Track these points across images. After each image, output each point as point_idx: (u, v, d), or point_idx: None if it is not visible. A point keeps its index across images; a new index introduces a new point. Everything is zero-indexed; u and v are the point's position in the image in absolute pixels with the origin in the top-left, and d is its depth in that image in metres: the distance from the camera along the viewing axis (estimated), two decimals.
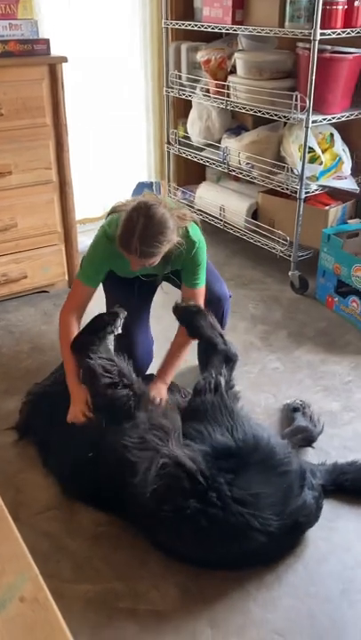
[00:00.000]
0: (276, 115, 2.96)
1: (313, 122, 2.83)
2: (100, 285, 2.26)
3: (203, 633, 1.51)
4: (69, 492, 1.90)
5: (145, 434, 1.79)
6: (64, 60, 2.72)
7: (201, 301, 2.20)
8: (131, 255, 1.94)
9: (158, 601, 1.59)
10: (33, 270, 3.02)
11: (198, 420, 1.87)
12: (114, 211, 2.18)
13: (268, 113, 3.00)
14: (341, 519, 1.82)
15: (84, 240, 3.34)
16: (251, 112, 3.11)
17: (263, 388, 2.44)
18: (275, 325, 2.89)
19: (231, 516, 1.59)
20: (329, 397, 2.38)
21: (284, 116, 2.91)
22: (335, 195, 3.23)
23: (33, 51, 2.67)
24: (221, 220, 3.55)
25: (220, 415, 1.86)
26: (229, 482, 1.64)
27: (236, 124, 3.51)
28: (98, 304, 2.32)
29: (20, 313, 3.01)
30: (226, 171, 3.43)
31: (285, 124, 3.13)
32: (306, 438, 2.07)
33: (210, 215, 3.64)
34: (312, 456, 2.05)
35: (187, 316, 2.10)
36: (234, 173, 3.40)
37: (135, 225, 1.87)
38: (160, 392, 2.05)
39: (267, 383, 2.47)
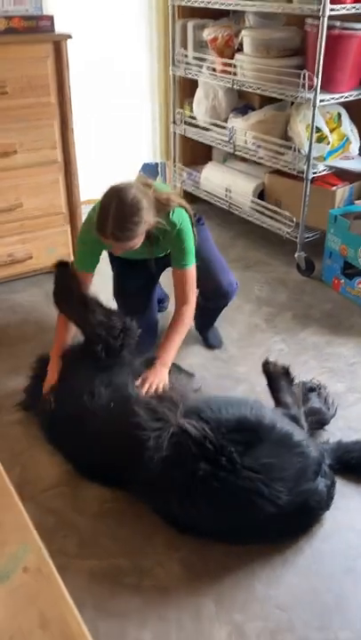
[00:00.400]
0: (283, 94, 2.92)
1: (321, 101, 2.79)
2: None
3: (206, 608, 1.53)
4: (77, 468, 1.92)
5: (156, 407, 1.81)
6: (68, 37, 2.68)
7: (191, 283, 2.19)
8: (108, 240, 1.96)
9: (162, 577, 1.61)
10: (38, 251, 3.02)
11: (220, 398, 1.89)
12: None
13: (275, 92, 2.96)
14: (346, 498, 1.82)
15: None
16: (258, 91, 3.07)
17: None
18: (280, 307, 2.88)
19: (241, 481, 1.61)
20: (334, 379, 2.38)
21: (292, 95, 2.87)
22: (342, 175, 3.20)
23: (37, 27, 2.63)
24: (227, 202, 3.53)
25: (242, 401, 1.86)
26: (240, 451, 1.65)
27: (242, 103, 3.47)
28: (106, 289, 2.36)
29: (26, 293, 3.01)
30: (232, 151, 3.40)
31: (293, 103, 3.09)
32: (319, 421, 2.06)
33: (215, 196, 3.61)
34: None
35: (273, 373, 2.13)
36: (240, 153, 3.37)
37: (108, 210, 1.90)
38: (158, 374, 2.01)
39: None
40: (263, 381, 2.33)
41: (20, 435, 2.10)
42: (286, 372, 2.12)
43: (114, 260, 2.49)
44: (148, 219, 1.96)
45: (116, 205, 1.89)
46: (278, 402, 2.05)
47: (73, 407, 1.92)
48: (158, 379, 1.98)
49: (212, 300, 2.47)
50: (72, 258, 3.14)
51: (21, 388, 2.24)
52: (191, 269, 2.18)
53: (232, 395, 2.03)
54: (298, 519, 1.69)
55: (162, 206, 2.04)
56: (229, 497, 1.62)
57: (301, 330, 2.70)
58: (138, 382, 1.97)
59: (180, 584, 1.59)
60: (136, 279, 2.44)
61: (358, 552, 1.67)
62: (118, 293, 2.51)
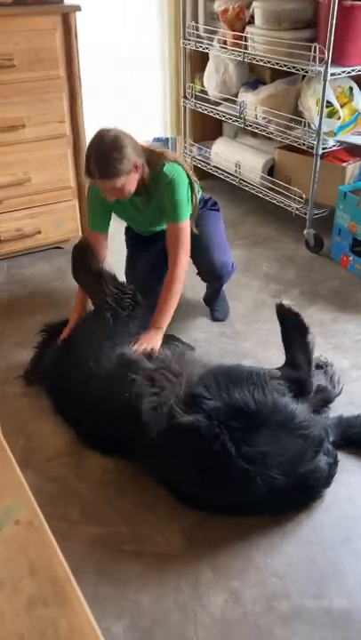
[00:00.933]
0: (293, 67, 2.88)
1: (332, 74, 2.75)
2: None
3: (205, 575, 1.56)
4: (80, 435, 1.95)
5: (155, 374, 1.83)
6: (77, 8, 2.66)
7: (182, 239, 2.17)
8: (95, 180, 2.04)
9: (162, 545, 1.64)
10: (47, 225, 3.03)
11: (223, 373, 1.82)
12: None
13: (285, 65, 2.91)
14: (347, 472, 1.83)
15: None
16: (268, 65, 3.03)
17: (273, 345, 2.43)
18: (288, 284, 2.88)
19: (235, 469, 1.61)
20: (339, 355, 2.38)
21: (302, 69, 2.83)
22: (353, 151, 3.16)
23: None
24: (237, 177, 3.50)
25: (246, 376, 1.80)
26: (238, 439, 1.62)
27: (253, 77, 3.42)
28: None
29: (35, 268, 3.03)
30: (242, 126, 3.37)
31: (304, 77, 3.05)
32: (324, 399, 2.04)
33: (225, 172, 3.58)
34: None
35: (288, 324, 2.04)
36: (250, 128, 3.33)
37: (91, 150, 2.01)
38: (152, 340, 2.05)
39: (277, 341, 2.42)
40: (269, 357, 2.35)
41: (26, 406, 2.13)
42: (302, 323, 1.99)
43: (128, 237, 2.57)
44: (133, 158, 2.01)
45: (97, 144, 1.99)
46: (288, 358, 2.01)
47: (77, 372, 1.95)
48: (152, 342, 2.03)
49: (207, 279, 2.54)
50: (80, 233, 3.17)
51: (27, 361, 2.27)
52: (183, 224, 2.17)
53: (238, 366, 1.94)
54: (296, 496, 1.70)
55: (155, 158, 2.11)
56: (225, 479, 1.63)
57: (308, 306, 2.70)
58: (131, 345, 2.01)
59: (180, 552, 1.62)
60: (147, 257, 2.47)
61: (356, 523, 1.69)
62: (129, 270, 2.56)
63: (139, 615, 1.46)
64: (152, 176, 2.10)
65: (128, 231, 2.60)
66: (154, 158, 2.10)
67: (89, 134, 2.95)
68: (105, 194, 2.11)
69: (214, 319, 2.62)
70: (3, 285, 2.88)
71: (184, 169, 2.16)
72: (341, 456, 1.85)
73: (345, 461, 1.85)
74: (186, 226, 2.18)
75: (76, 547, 1.63)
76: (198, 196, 2.29)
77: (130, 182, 2.04)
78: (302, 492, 1.71)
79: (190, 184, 2.18)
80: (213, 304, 2.62)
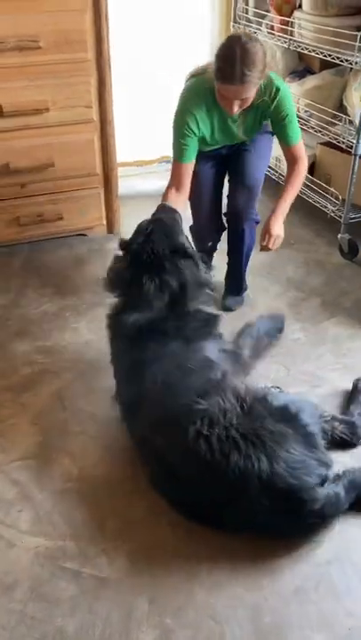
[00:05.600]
0: (337, 57, 2.64)
1: None
2: None
3: (140, 608, 1.48)
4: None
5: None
6: None
7: (303, 155, 2.29)
8: (232, 85, 1.98)
9: (104, 567, 1.57)
10: (70, 213, 2.97)
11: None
12: (193, 76, 2.27)
13: (330, 55, 2.68)
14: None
15: (138, 183, 3.25)
16: (313, 53, 2.80)
17: (277, 358, 2.29)
18: (310, 292, 2.69)
19: (252, 429, 1.62)
20: (347, 376, 2.18)
21: (346, 60, 2.59)
22: None
23: None
24: (276, 172, 3.30)
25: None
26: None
27: (302, 66, 3.20)
28: None
29: (54, 255, 2.99)
30: None
31: (352, 68, 2.81)
32: (345, 433, 1.87)
33: None
34: None
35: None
36: None
37: (235, 52, 1.94)
38: (279, 225, 2.29)
39: (282, 354, 2.32)
40: (272, 372, 2.22)
41: (9, 401, 2.10)
42: None
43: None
44: (265, 70, 2.02)
45: (244, 45, 1.94)
46: (345, 407, 2.03)
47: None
48: (279, 232, 2.29)
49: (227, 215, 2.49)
50: (105, 222, 3.09)
51: (25, 353, 2.29)
52: (299, 144, 2.27)
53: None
54: (286, 509, 1.55)
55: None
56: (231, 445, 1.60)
57: (326, 319, 2.51)
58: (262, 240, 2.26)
59: (120, 577, 1.54)
60: (211, 171, 2.43)
61: (313, 573, 1.54)
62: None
63: None
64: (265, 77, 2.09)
65: None
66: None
67: (118, 120, 2.89)
68: (229, 107, 2.08)
69: (226, 308, 2.52)
70: (18, 271, 2.86)
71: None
72: None
73: None
74: (302, 145, 2.29)
75: (19, 558, 1.59)
76: None
77: (254, 92, 2.07)
78: (293, 505, 1.55)
79: None
80: (232, 286, 2.59)
